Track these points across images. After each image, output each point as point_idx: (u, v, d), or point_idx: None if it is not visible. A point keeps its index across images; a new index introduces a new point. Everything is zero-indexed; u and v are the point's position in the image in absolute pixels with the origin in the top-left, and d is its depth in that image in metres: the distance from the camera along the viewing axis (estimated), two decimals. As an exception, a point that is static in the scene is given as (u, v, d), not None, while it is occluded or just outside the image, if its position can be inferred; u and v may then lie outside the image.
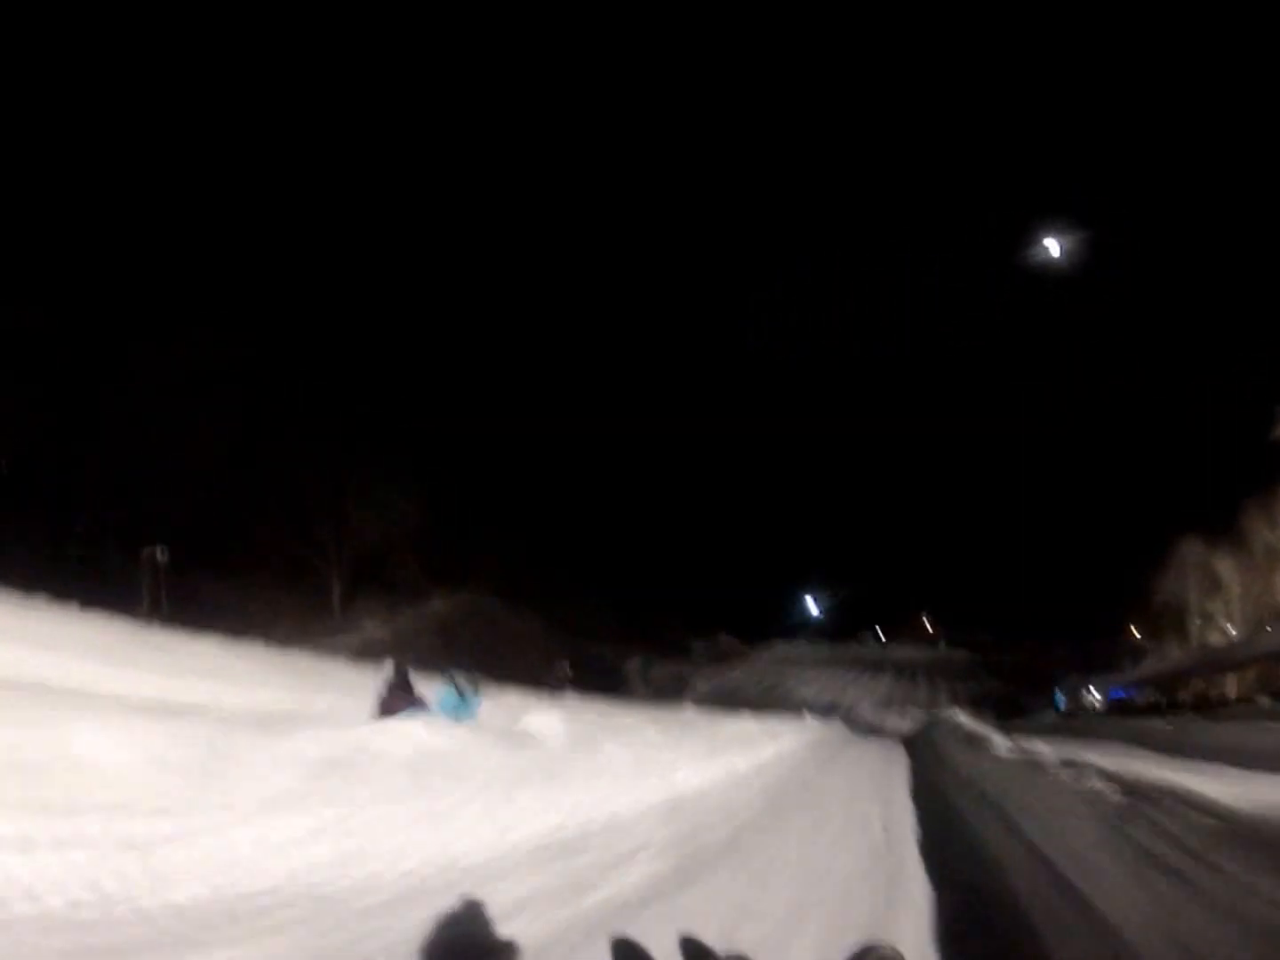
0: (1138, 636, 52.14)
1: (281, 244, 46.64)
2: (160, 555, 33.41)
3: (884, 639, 77.07)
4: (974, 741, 9.24)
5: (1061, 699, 49.86)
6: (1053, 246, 29.84)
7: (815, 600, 74.38)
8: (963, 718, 18.28)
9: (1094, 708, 46.29)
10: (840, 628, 74.31)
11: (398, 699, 7.78)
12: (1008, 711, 48.32)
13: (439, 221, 65.97)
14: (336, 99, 57.75)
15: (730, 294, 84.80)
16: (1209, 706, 35.90)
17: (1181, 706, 37.70)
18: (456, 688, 8.40)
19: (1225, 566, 38.30)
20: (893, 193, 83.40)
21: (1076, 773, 4.93)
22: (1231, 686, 37.21)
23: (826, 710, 51.34)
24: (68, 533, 34.61)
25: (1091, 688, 47.60)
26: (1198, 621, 39.88)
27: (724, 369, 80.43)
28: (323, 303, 47.74)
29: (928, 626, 78.29)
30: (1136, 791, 6.41)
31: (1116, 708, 43.04)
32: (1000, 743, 7.65)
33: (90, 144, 36.66)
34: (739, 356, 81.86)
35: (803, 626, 75.06)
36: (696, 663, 72.29)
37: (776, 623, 73.75)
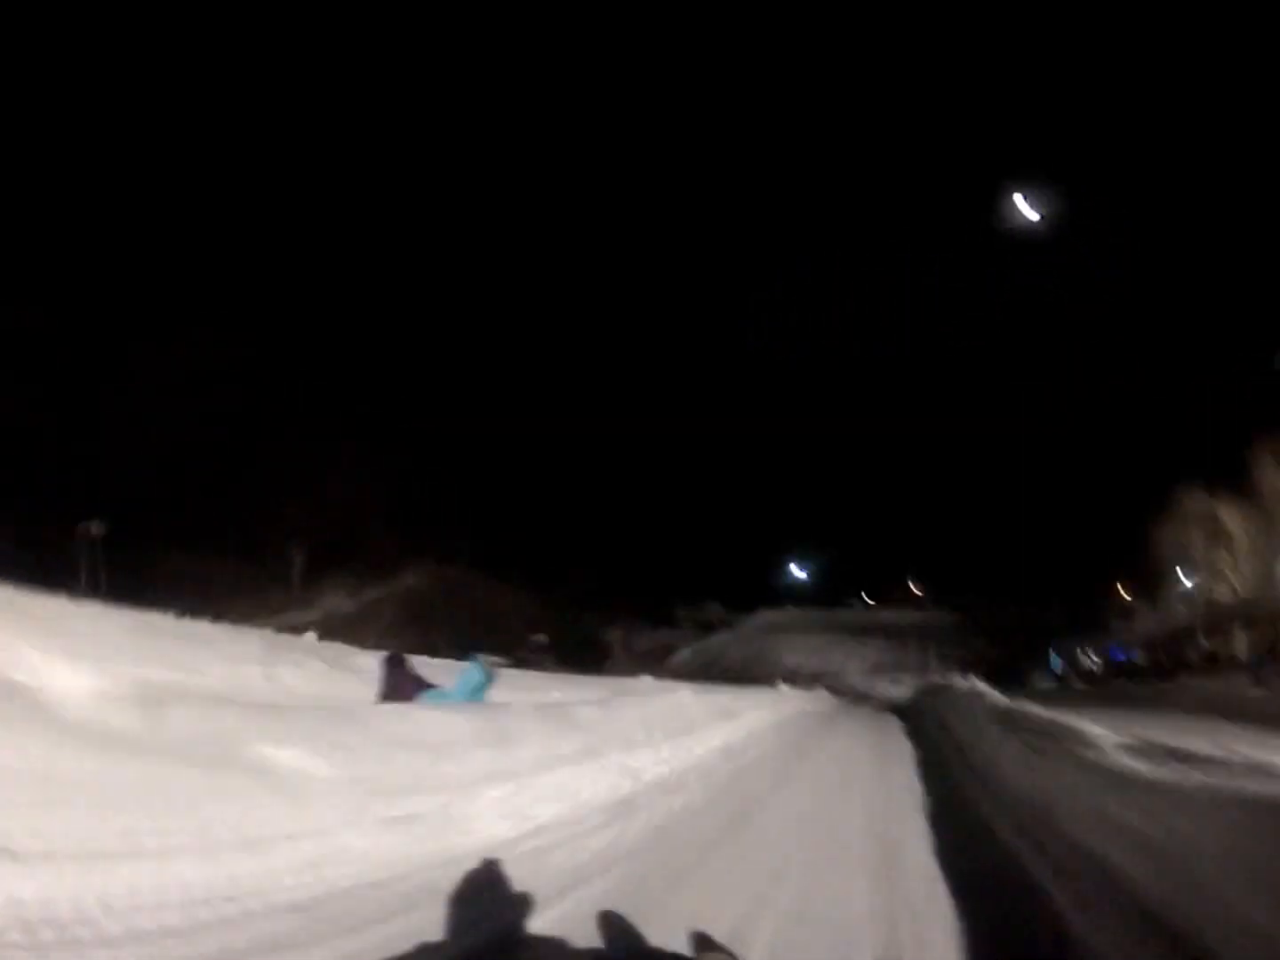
0: (1126, 597, 49.21)
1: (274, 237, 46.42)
2: (95, 530, 31.52)
3: (871, 603, 74.43)
4: (1028, 731, 5.73)
5: (1057, 661, 46.82)
6: (1029, 206, 26.60)
7: (801, 566, 72.59)
8: (982, 688, 13.83)
9: (1093, 671, 43.28)
10: (827, 593, 72.18)
11: (398, 682, 7.17)
12: (1003, 677, 45.44)
13: (419, 201, 64.46)
14: (333, 99, 57.14)
15: (691, 257, 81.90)
16: (1221, 664, 32.98)
17: (1190, 666, 34.79)
18: (484, 667, 7.67)
19: (1231, 515, 34.95)
20: (887, 187, 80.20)
21: None
22: (1241, 643, 34.10)
23: (812, 677, 48.70)
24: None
25: (1089, 650, 44.55)
26: (1200, 575, 36.52)
27: (708, 343, 77.49)
28: (302, 278, 47.03)
29: (914, 589, 75.67)
30: None
31: (1119, 671, 40.07)
32: (1112, 739, 3.85)
33: (90, 144, 36.89)
34: (721, 328, 78.82)
35: (789, 593, 73.18)
36: (682, 631, 70.42)
37: (763, 590, 71.73)
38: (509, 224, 64.22)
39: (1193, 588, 36.79)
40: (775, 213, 79.69)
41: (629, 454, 64.02)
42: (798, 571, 72.55)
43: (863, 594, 75.19)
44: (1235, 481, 35.12)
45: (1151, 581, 41.07)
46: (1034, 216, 26.18)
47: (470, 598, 54.07)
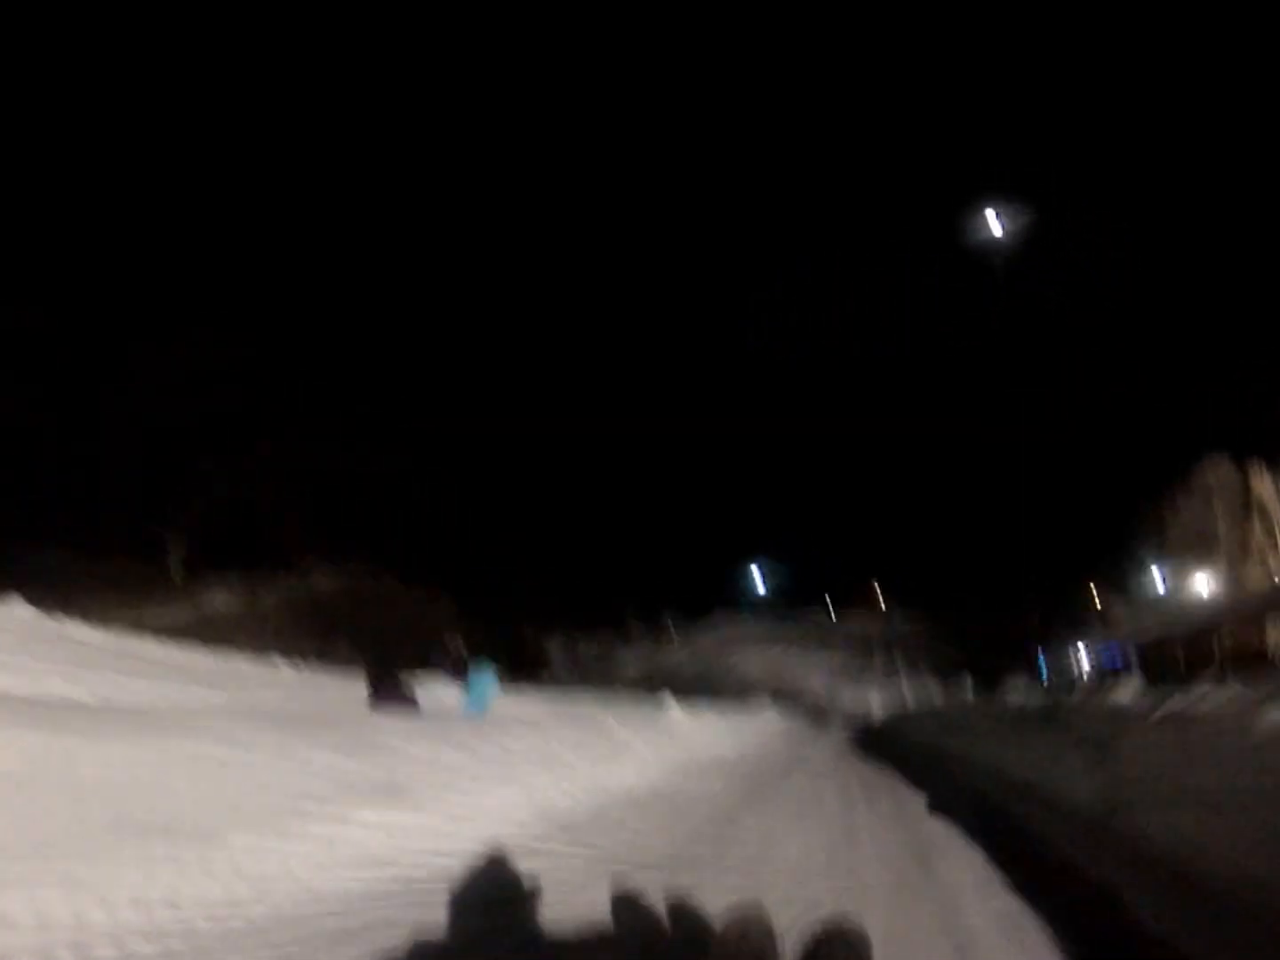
0: (1097, 601, 42.89)
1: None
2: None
3: (834, 611, 67.46)
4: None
5: (1045, 669, 40.15)
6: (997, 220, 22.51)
7: (761, 574, 65.64)
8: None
9: (1084, 676, 36.52)
10: (788, 601, 65.25)
11: (388, 691, 7.08)
12: (986, 684, 38.65)
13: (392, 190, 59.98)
14: (335, 100, 53.84)
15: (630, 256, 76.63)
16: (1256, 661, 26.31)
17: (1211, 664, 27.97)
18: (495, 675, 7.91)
19: (1265, 486, 28.28)
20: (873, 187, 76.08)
21: None
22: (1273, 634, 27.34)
23: (771, 693, 42.27)
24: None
25: (1082, 652, 37.83)
26: (1227, 556, 29.63)
27: (667, 347, 71.74)
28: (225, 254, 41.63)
29: (879, 596, 68.90)
30: None
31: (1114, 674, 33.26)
32: None
33: (90, 144, 35.06)
34: (681, 332, 73.14)
35: (748, 601, 66.15)
36: (633, 641, 63.57)
37: (721, 598, 64.70)
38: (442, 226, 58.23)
39: (1217, 571, 30.03)
40: (749, 220, 74.32)
41: (578, 456, 56.82)
42: (758, 580, 65.69)
43: (827, 602, 68.23)
44: (1270, 450, 28.49)
45: (1153, 570, 34.30)
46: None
47: (390, 603, 46.56)
